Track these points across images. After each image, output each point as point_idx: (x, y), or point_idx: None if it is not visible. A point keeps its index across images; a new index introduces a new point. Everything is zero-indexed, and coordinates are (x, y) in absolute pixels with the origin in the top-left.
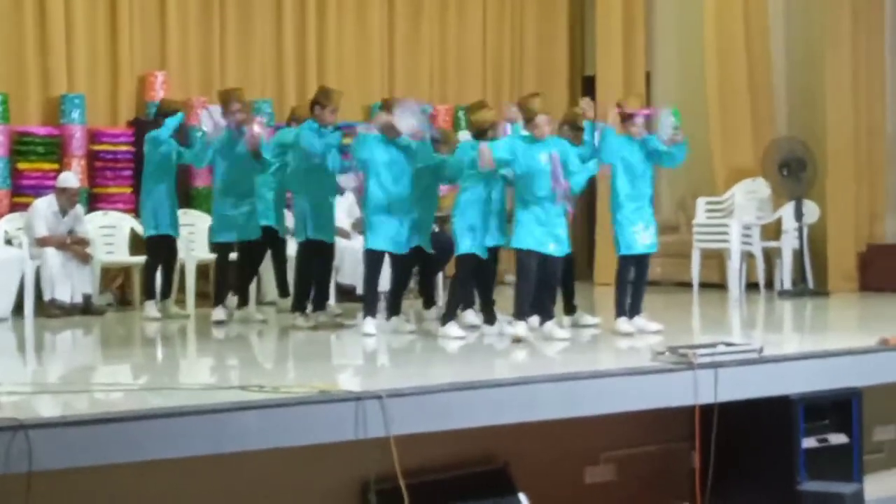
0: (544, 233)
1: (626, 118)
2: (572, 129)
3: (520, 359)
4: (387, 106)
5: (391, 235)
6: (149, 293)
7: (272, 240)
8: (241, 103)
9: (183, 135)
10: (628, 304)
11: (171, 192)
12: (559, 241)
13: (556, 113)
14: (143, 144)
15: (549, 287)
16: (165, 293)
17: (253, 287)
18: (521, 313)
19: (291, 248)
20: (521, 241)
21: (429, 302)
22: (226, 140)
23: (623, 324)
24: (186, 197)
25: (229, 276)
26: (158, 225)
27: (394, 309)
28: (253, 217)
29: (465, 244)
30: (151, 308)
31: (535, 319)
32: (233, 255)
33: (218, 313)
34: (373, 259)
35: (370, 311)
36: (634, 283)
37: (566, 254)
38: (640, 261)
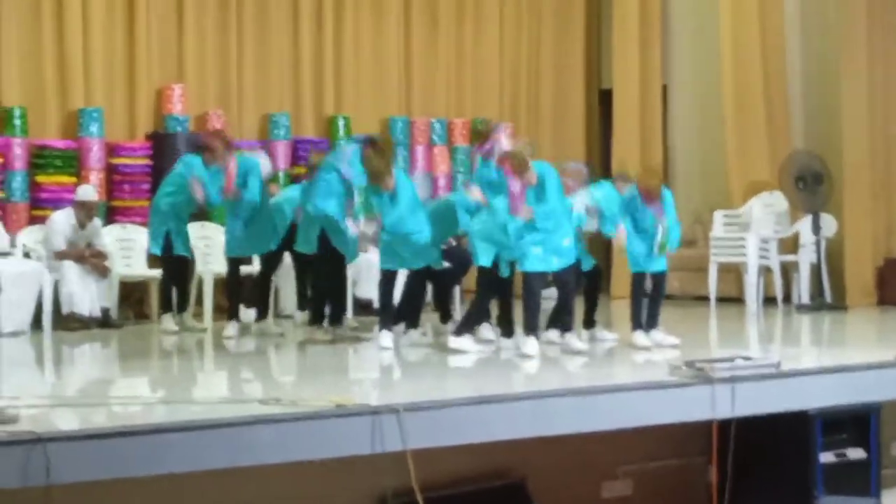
0: (544, 251)
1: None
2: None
3: (536, 373)
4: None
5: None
6: (166, 306)
7: (294, 253)
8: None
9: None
10: (645, 318)
11: (186, 212)
12: (561, 253)
13: (572, 130)
14: (178, 163)
15: (563, 299)
16: (182, 306)
17: (271, 300)
18: (530, 329)
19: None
20: (526, 266)
21: (445, 316)
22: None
23: (640, 337)
24: (203, 210)
25: (241, 291)
26: (172, 245)
27: (411, 322)
28: (265, 232)
29: (485, 257)
30: (169, 321)
31: (554, 333)
32: (245, 269)
33: (230, 329)
34: (387, 275)
35: (386, 324)
36: (651, 296)
37: (574, 263)
38: (656, 276)
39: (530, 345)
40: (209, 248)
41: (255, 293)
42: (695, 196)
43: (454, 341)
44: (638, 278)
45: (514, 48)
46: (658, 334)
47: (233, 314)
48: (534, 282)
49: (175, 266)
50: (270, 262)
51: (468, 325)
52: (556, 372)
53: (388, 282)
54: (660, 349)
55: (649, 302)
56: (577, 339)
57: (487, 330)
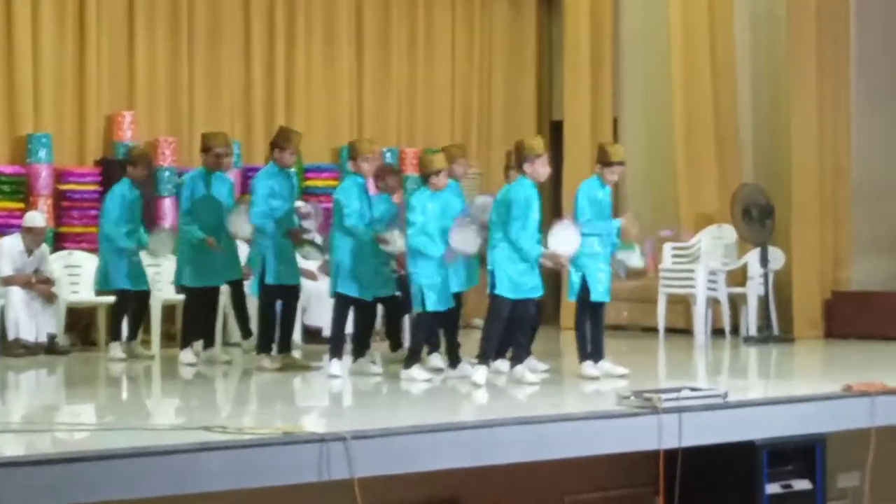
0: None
1: (606, 164)
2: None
3: (484, 402)
4: (353, 149)
5: (363, 281)
6: (115, 334)
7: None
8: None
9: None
10: (590, 349)
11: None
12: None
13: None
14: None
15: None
16: (133, 334)
17: (219, 328)
18: (484, 357)
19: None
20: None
21: (395, 345)
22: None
23: (588, 368)
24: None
25: (196, 318)
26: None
27: (359, 351)
28: (219, 263)
29: (431, 301)
30: (116, 349)
31: (503, 363)
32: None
33: (186, 355)
34: (342, 302)
35: (337, 353)
36: (592, 328)
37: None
38: (595, 307)
39: (479, 373)
40: (159, 275)
41: (202, 323)
42: (645, 227)
43: (405, 373)
44: (581, 308)
45: (465, 78)
46: (607, 364)
47: (187, 341)
48: (501, 305)
49: (138, 297)
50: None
51: (416, 355)
52: (504, 401)
53: (343, 310)
54: (609, 379)
55: (591, 333)
56: (527, 370)
57: (437, 359)
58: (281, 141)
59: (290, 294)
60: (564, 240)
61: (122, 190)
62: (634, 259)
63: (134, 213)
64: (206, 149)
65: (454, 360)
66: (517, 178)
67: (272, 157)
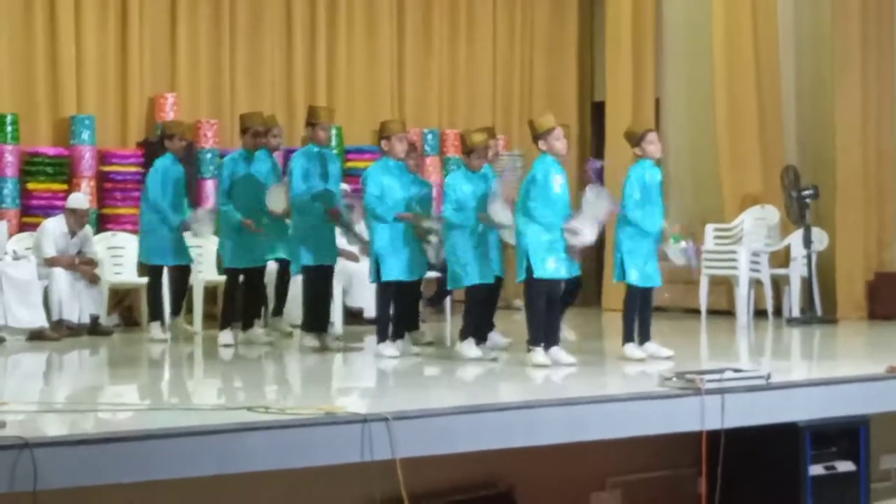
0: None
1: (639, 140)
2: None
3: (526, 383)
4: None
5: (403, 265)
6: (154, 314)
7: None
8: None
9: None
10: (637, 331)
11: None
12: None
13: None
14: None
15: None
16: (177, 310)
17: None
18: (534, 339)
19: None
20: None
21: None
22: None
23: (632, 349)
24: None
25: (237, 300)
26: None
27: (398, 333)
28: (260, 244)
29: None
30: (157, 329)
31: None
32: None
33: (224, 336)
34: (384, 287)
35: (385, 335)
36: (640, 309)
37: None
38: (645, 290)
39: (538, 354)
40: (201, 256)
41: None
42: (687, 209)
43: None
44: (632, 289)
45: (507, 61)
46: (653, 346)
47: (227, 322)
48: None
49: (180, 272)
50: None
51: (470, 331)
52: (546, 382)
53: (388, 295)
54: (653, 361)
55: (639, 315)
56: (564, 352)
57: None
58: (310, 118)
59: (325, 274)
60: (597, 209)
61: (163, 164)
62: (677, 256)
63: (178, 189)
64: (244, 129)
65: (482, 337)
66: (539, 156)
67: (307, 137)
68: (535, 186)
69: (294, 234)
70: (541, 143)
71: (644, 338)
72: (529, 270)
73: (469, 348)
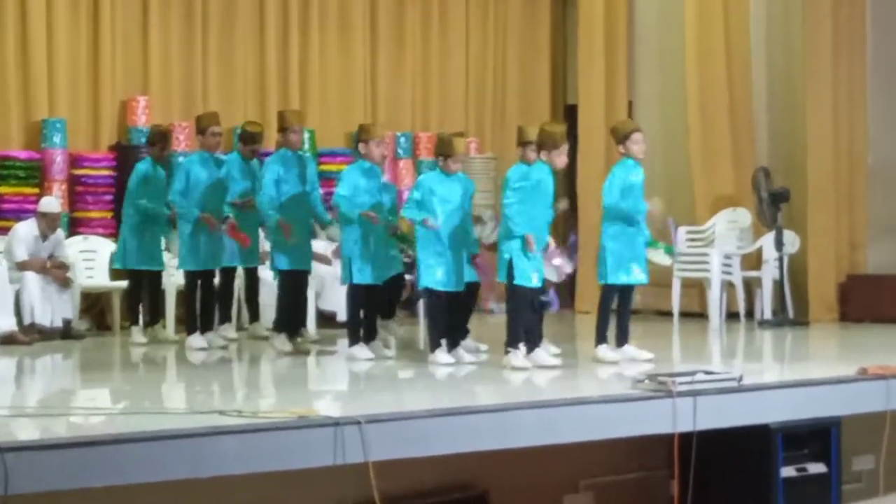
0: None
1: (624, 138)
2: None
3: (499, 386)
4: (363, 131)
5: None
6: (134, 318)
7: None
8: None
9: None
10: (616, 334)
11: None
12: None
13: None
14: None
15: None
16: (154, 318)
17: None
18: (513, 342)
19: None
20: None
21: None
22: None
23: (605, 351)
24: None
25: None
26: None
27: (370, 335)
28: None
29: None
30: (138, 334)
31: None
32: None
33: (195, 340)
34: (355, 290)
35: (357, 338)
36: (620, 311)
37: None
38: (625, 290)
39: (516, 357)
40: (173, 259)
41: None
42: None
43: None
44: (608, 291)
45: (480, 64)
46: (631, 348)
47: (193, 326)
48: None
49: (151, 277)
50: (231, 274)
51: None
52: (519, 385)
53: (358, 298)
54: (626, 363)
55: (618, 316)
56: (545, 353)
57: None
58: (281, 123)
59: (300, 279)
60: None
61: (144, 167)
62: (660, 257)
63: (158, 191)
64: (201, 130)
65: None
66: (536, 162)
67: (280, 143)
68: (525, 191)
69: (272, 238)
70: (543, 154)
71: (622, 340)
72: (511, 277)
73: (441, 355)
